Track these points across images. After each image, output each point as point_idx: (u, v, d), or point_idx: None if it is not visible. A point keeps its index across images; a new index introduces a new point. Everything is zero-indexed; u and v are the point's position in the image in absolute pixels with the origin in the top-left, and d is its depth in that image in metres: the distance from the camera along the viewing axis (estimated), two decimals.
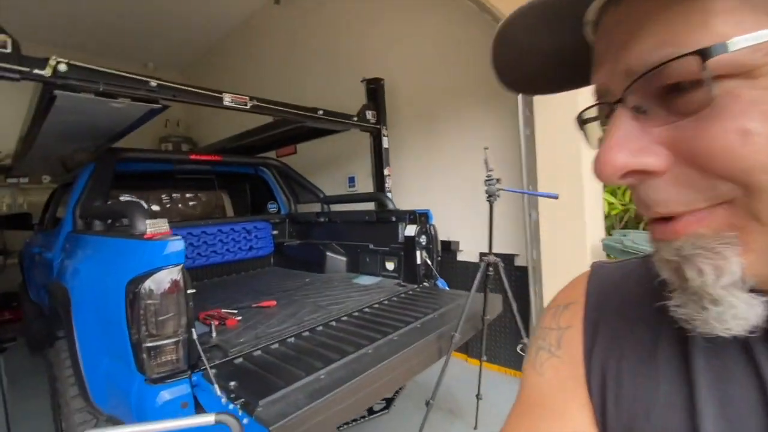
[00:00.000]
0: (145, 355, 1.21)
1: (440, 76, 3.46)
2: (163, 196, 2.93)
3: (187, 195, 3.04)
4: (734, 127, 0.21)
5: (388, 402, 2.10)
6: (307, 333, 1.66)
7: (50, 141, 2.74)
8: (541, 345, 0.40)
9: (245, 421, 1.05)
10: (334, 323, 1.77)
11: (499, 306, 2.05)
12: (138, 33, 5.22)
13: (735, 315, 0.23)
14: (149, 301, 1.21)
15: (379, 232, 2.70)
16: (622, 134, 0.25)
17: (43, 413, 2.47)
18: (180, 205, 2.96)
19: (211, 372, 1.24)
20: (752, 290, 0.23)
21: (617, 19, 0.26)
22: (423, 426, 1.73)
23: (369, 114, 3.22)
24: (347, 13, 4.19)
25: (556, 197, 1.59)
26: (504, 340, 2.93)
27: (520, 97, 2.58)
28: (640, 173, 0.25)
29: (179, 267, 1.25)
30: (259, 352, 1.48)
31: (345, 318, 1.83)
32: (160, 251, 1.22)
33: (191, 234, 2.76)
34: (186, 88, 2.07)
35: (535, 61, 0.34)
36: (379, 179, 3.36)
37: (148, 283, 1.21)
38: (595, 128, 0.31)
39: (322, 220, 3.09)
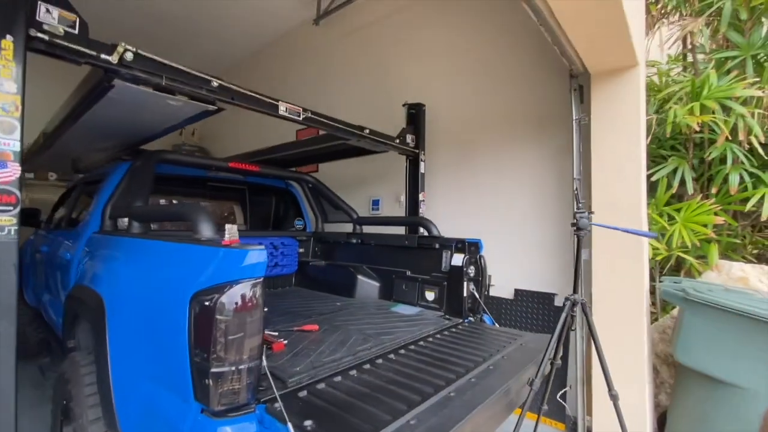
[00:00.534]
0: (210, 382, 1.03)
1: (480, 105, 3.44)
2: (195, 202, 2.76)
3: (218, 204, 2.89)
4: None
5: None
6: (367, 366, 1.48)
7: (79, 137, 2.60)
8: None
9: None
10: (392, 356, 1.60)
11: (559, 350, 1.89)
12: (169, 42, 5.21)
13: None
14: (221, 318, 1.04)
15: (419, 258, 2.56)
16: None
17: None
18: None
19: (282, 407, 1.06)
20: None
21: None
22: None
23: (409, 138, 3.15)
24: (385, 38, 4.23)
25: (655, 237, 1.49)
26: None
27: (574, 129, 2.53)
28: None
29: (259, 281, 1.10)
30: (322, 385, 1.29)
31: (402, 351, 1.66)
32: (239, 261, 1.07)
33: None
34: (245, 92, 1.98)
35: None
36: (413, 204, 3.26)
37: (222, 298, 1.04)
38: None
39: (354, 241, 2.94)
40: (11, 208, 1.28)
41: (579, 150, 2.52)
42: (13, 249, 1.28)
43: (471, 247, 2.30)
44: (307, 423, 1.04)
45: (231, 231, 1.14)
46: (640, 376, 2.24)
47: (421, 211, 3.21)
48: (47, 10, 1.37)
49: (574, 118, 2.54)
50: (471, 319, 2.25)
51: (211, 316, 1.04)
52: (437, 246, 2.45)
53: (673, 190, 2.76)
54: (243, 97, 1.97)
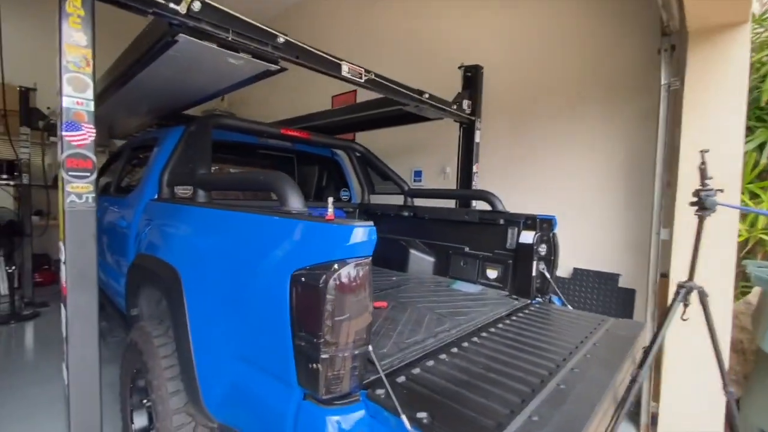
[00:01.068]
0: (319, 367, 0.95)
1: (542, 69, 3.16)
2: (247, 170, 2.66)
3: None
4: None
5: None
6: (455, 349, 1.38)
7: (126, 100, 2.49)
8: None
9: None
10: (476, 339, 1.50)
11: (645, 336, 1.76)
12: None
13: None
14: (330, 299, 0.94)
15: (479, 234, 2.42)
16: None
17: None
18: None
19: (392, 395, 0.97)
20: None
21: None
22: None
23: (465, 104, 2.93)
24: None
25: None
26: None
27: (662, 96, 2.27)
28: None
29: (368, 261, 0.98)
30: (417, 369, 1.21)
31: (484, 334, 1.56)
32: (345, 238, 0.95)
33: None
34: (311, 49, 1.80)
35: None
36: (465, 176, 3.09)
37: (331, 278, 0.94)
38: None
39: (406, 214, 2.82)
40: (88, 174, 1.19)
41: (666, 119, 2.27)
42: (91, 218, 1.20)
43: (543, 224, 2.14)
44: (421, 415, 0.95)
45: (329, 206, 1.02)
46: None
47: (474, 183, 3.04)
48: None
49: (662, 82, 2.27)
50: (539, 299, 2.13)
51: (318, 297, 0.94)
52: (502, 222, 2.30)
53: (761, 167, 2.50)
54: (308, 55, 1.80)
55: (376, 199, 3.35)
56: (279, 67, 1.81)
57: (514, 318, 1.78)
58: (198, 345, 1.31)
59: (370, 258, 0.99)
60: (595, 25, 2.86)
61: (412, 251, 2.67)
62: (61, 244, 1.20)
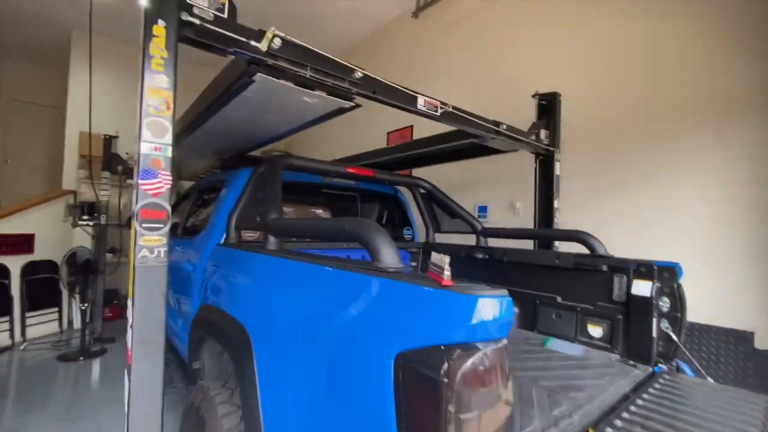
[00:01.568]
0: None
1: (629, 95, 2.84)
2: (312, 211, 2.56)
3: (331, 213, 2.66)
4: None
5: None
6: None
7: (198, 142, 2.52)
8: None
9: None
10: (612, 431, 1.15)
11: None
12: None
13: None
14: (451, 396, 0.69)
15: (575, 282, 2.07)
16: None
17: None
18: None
19: None
20: None
21: None
22: None
23: (543, 134, 2.67)
24: (496, 25, 3.78)
25: None
26: None
27: None
28: None
29: (502, 344, 0.73)
30: None
31: (619, 423, 1.21)
32: (472, 313, 0.71)
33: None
34: (389, 83, 1.67)
35: None
36: (545, 212, 2.76)
37: (453, 370, 0.69)
38: None
39: (480, 256, 2.53)
40: (161, 224, 1.07)
41: None
42: (162, 275, 1.07)
43: (663, 273, 1.76)
44: None
45: (445, 264, 0.79)
46: None
47: (555, 221, 2.70)
48: None
49: None
50: (663, 366, 1.72)
51: (435, 392, 0.70)
52: (605, 268, 1.94)
53: None
54: (385, 89, 1.67)
55: (441, 239, 3.10)
56: (353, 104, 1.69)
57: (646, 396, 1.40)
58: (270, 419, 1.10)
59: (505, 341, 0.74)
60: (694, 41, 2.52)
61: None
62: (129, 302, 1.07)
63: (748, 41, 2.31)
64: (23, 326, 4.32)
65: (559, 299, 2.12)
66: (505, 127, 2.29)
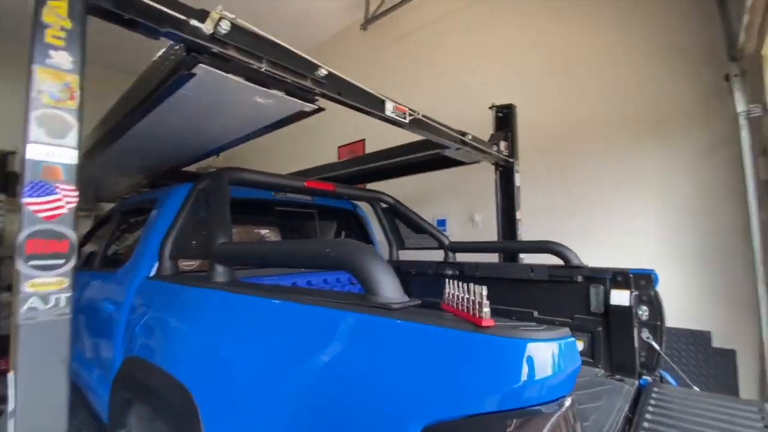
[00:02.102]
0: None
1: (575, 108, 2.94)
2: (257, 232, 2.25)
3: (285, 232, 2.37)
4: None
5: None
6: None
7: (118, 156, 2.12)
8: None
9: None
10: None
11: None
12: None
13: None
14: None
15: (550, 295, 1.99)
16: None
17: None
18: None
19: None
20: None
21: None
22: None
23: (503, 145, 2.64)
24: (446, 39, 3.79)
25: None
26: None
27: (742, 125, 2.00)
28: None
29: (569, 403, 0.55)
30: None
31: None
32: (524, 364, 0.52)
33: (295, 282, 2.05)
34: (357, 84, 1.48)
35: None
36: (507, 224, 2.72)
37: None
38: None
39: (449, 272, 2.39)
40: (61, 261, 0.76)
41: (752, 150, 1.98)
42: (63, 335, 0.75)
43: (640, 281, 1.74)
44: None
45: (483, 297, 0.60)
46: None
47: (519, 233, 2.66)
48: None
49: (739, 110, 2.01)
50: (648, 378, 1.67)
51: None
52: (580, 279, 1.89)
53: None
54: (352, 91, 1.47)
55: (405, 255, 2.93)
56: (315, 107, 1.47)
57: (649, 417, 1.31)
58: None
59: (572, 397, 0.55)
60: (635, 55, 2.68)
61: None
62: (10, 378, 0.73)
63: (686, 61, 2.48)
64: None
65: (536, 314, 2.03)
66: (470, 137, 2.20)
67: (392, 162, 2.67)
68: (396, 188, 3.71)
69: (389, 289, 0.75)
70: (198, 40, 1.03)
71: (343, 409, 0.67)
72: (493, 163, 2.73)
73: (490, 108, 2.80)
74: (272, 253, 1.00)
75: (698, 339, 2.29)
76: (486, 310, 0.58)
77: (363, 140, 4.41)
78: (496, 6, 3.46)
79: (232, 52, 1.11)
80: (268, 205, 2.26)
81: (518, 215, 2.71)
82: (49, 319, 0.73)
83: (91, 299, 2.00)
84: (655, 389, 1.55)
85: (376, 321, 0.68)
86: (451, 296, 0.69)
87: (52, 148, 0.75)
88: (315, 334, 0.78)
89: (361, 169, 2.78)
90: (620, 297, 1.75)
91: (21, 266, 0.71)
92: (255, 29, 1.13)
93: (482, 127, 2.83)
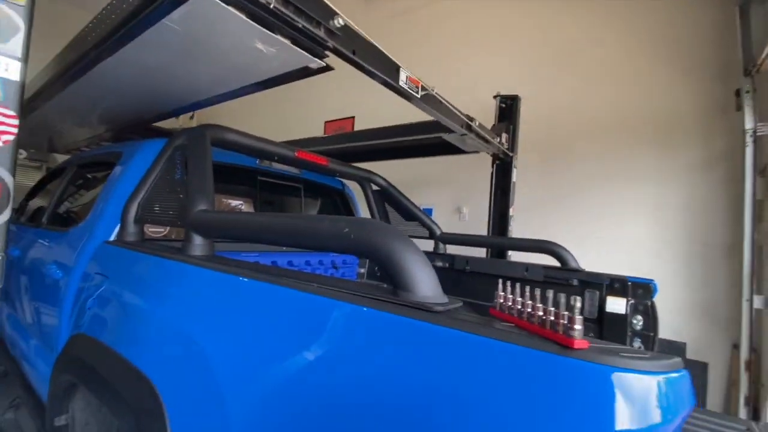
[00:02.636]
0: None
1: (577, 106, 2.87)
2: (235, 203, 2.03)
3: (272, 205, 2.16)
4: None
5: None
6: None
7: (77, 101, 1.84)
8: None
9: None
10: None
11: None
12: None
13: None
14: None
15: (543, 297, 1.92)
16: None
17: None
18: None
19: None
20: None
21: None
22: None
23: (504, 137, 2.53)
24: (447, 19, 3.62)
25: None
26: None
27: (748, 142, 1.99)
28: None
29: None
30: None
31: None
32: (632, 403, 0.40)
33: (275, 262, 1.87)
34: (374, 43, 1.29)
35: None
36: (498, 219, 2.64)
37: None
38: None
39: (439, 264, 2.28)
40: None
41: (754, 169, 1.97)
42: None
43: (638, 290, 1.69)
44: None
45: (577, 311, 0.47)
46: None
47: (510, 229, 2.59)
48: None
49: (747, 127, 1.99)
50: None
51: None
52: (576, 282, 1.83)
53: None
54: (367, 51, 1.29)
55: None
56: (324, 64, 1.28)
57: None
58: None
59: None
60: (643, 60, 2.63)
61: None
62: None
63: (695, 72, 2.45)
64: None
65: None
66: (477, 124, 2.07)
67: (386, 142, 2.52)
68: (381, 172, 3.56)
69: (427, 285, 0.61)
70: None
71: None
72: (491, 155, 2.63)
73: (495, 97, 2.68)
74: (271, 228, 0.82)
75: (674, 349, 2.32)
76: (579, 327, 0.45)
77: (353, 118, 4.19)
78: None
79: None
80: (250, 174, 2.04)
81: (511, 211, 2.63)
82: None
83: (36, 260, 1.74)
84: None
85: (417, 327, 0.53)
86: (510, 302, 0.56)
87: None
88: (327, 335, 0.62)
89: (351, 146, 2.60)
90: (616, 304, 1.70)
91: None
92: None
93: (480, 117, 2.71)
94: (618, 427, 0.39)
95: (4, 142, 0.56)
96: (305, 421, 0.61)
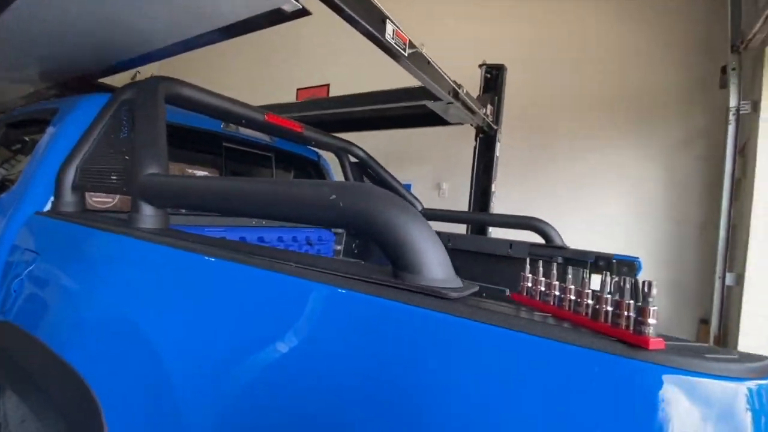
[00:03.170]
0: None
1: (564, 81, 2.80)
2: (196, 173, 1.81)
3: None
4: None
5: None
6: None
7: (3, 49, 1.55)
8: None
9: None
10: None
11: None
12: None
13: None
14: None
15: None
16: None
17: None
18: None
19: None
20: None
21: None
22: None
23: (488, 109, 2.42)
24: None
25: None
26: None
27: (731, 121, 1.98)
28: None
29: None
30: None
31: None
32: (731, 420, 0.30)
33: (244, 237, 1.70)
34: None
35: None
36: (480, 195, 2.56)
37: None
38: None
39: None
40: None
41: (734, 147, 1.97)
42: None
43: (622, 267, 1.67)
44: None
45: (650, 303, 0.36)
46: None
47: (491, 205, 2.53)
48: None
49: (731, 105, 1.97)
50: None
51: None
52: (560, 260, 1.79)
53: None
54: None
55: None
56: (300, 6, 1.09)
57: None
58: None
59: None
60: (627, 36, 2.56)
61: None
62: None
63: (678, 49, 2.41)
64: None
65: (508, 293, 1.92)
66: (465, 92, 1.94)
67: (365, 110, 2.34)
68: (361, 143, 3.38)
69: (438, 265, 0.49)
70: None
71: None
72: (475, 128, 2.52)
73: (480, 66, 2.54)
74: (239, 195, 0.66)
75: None
76: (654, 322, 0.35)
77: (327, 85, 3.94)
78: None
79: None
80: (214, 140, 1.83)
81: (493, 187, 2.56)
82: None
83: None
84: None
85: (433, 318, 0.41)
86: (526, 284, 0.46)
87: None
88: (313, 328, 0.49)
89: (327, 114, 2.41)
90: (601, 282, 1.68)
91: None
92: None
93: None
94: None
95: None
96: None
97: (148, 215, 0.86)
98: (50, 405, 0.70)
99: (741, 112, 1.96)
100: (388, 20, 1.30)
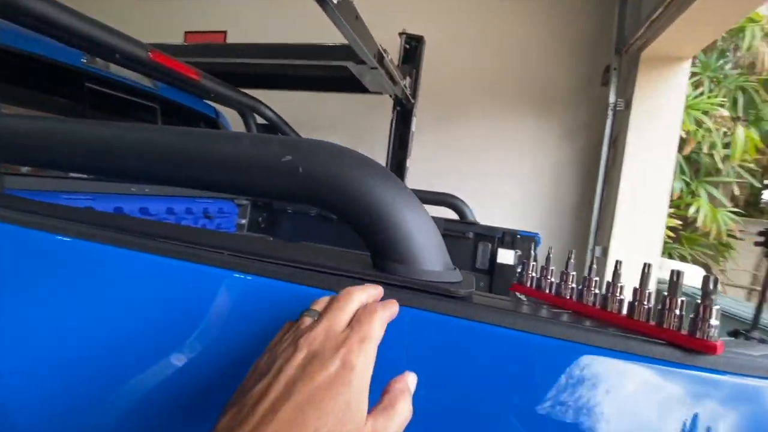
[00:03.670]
0: None
1: (470, 62, 2.89)
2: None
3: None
4: None
5: None
6: None
7: None
8: None
9: None
10: None
11: None
12: None
13: None
14: None
15: None
16: None
17: None
18: None
19: None
20: None
21: None
22: None
23: (407, 82, 2.36)
24: None
25: None
26: None
27: (609, 115, 2.28)
28: None
29: None
30: None
31: None
32: None
33: (120, 208, 1.34)
34: None
35: None
36: (396, 170, 2.53)
37: None
38: None
39: (314, 213, 2.05)
40: None
41: (609, 140, 2.28)
42: None
43: (525, 242, 1.81)
44: None
45: (713, 301, 0.31)
46: None
47: (406, 181, 2.51)
48: None
49: (611, 100, 2.27)
50: None
51: None
52: (471, 235, 1.87)
53: None
54: None
55: None
56: None
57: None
58: None
59: None
60: (532, 29, 2.74)
61: None
62: None
63: (574, 47, 2.66)
64: None
65: None
66: (390, 58, 1.82)
67: (273, 65, 2.06)
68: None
69: (434, 254, 0.38)
70: None
71: None
72: (393, 99, 2.44)
73: (400, 34, 2.44)
74: (127, 145, 0.43)
75: None
76: (716, 323, 0.30)
77: (224, 32, 3.39)
78: None
79: None
80: (72, 78, 1.37)
81: (408, 163, 2.55)
82: None
83: None
84: None
85: (443, 324, 0.31)
86: (526, 272, 0.40)
87: None
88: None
89: (226, 63, 2.04)
90: (506, 256, 1.80)
91: None
92: None
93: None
94: None
95: None
96: None
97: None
98: None
99: (617, 108, 2.26)
100: None
